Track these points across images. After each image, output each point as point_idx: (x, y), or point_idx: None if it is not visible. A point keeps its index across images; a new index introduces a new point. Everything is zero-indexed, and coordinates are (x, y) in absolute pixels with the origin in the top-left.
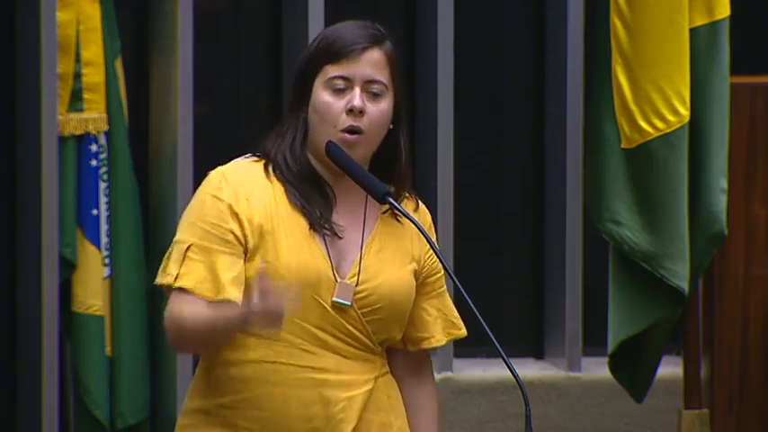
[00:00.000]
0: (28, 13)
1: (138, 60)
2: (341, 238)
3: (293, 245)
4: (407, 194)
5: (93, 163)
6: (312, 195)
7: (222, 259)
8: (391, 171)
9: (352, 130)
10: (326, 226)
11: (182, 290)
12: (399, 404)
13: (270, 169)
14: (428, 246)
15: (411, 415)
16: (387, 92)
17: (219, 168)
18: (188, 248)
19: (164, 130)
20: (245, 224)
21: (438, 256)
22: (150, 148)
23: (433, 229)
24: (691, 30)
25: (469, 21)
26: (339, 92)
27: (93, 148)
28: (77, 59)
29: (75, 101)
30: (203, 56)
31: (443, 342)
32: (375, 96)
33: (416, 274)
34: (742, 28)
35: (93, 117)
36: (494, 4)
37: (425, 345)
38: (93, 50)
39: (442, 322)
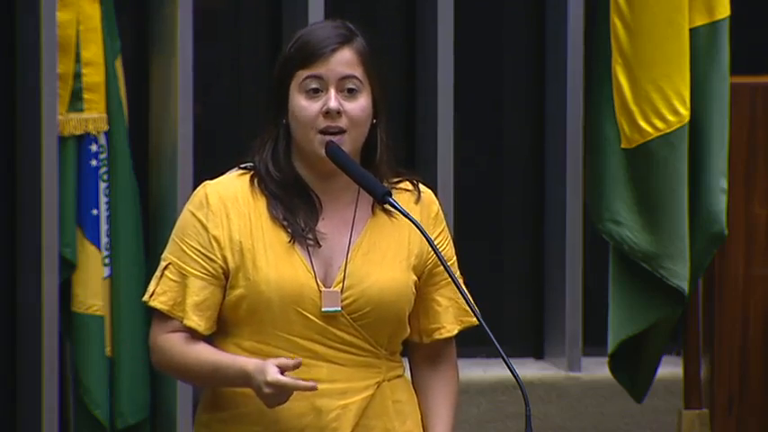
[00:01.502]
0: (28, 13)
1: (138, 60)
2: (320, 246)
3: (272, 259)
4: (411, 186)
5: (93, 163)
6: (296, 205)
7: (193, 282)
8: (369, 165)
9: (330, 131)
10: (309, 236)
11: (161, 312)
12: (410, 408)
13: (255, 182)
14: (435, 235)
15: (426, 399)
16: (363, 87)
17: (205, 184)
18: (166, 267)
19: (164, 130)
20: (225, 244)
21: (437, 255)
22: (150, 148)
23: (440, 216)
24: (691, 30)
25: (469, 21)
26: (314, 94)
27: (93, 148)
28: (77, 59)
29: (75, 101)
30: (203, 56)
31: (455, 331)
32: (351, 93)
33: (418, 268)
34: (742, 28)
35: (93, 117)
36: (494, 4)
37: (437, 336)
38: (93, 50)
39: (453, 311)
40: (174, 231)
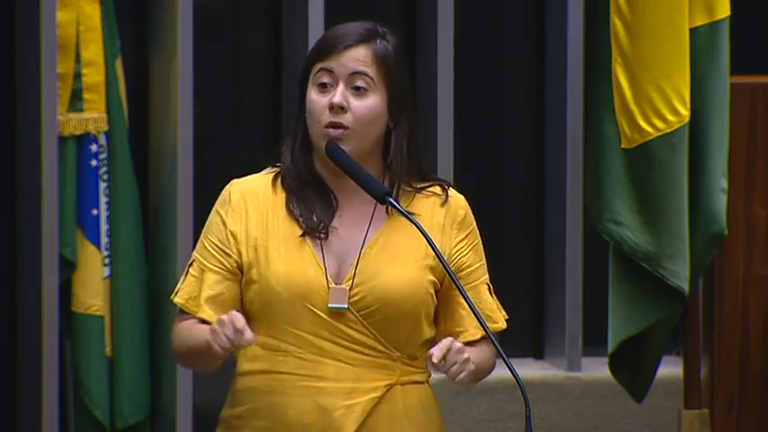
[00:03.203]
0: (28, 13)
1: (138, 60)
2: (328, 240)
3: (283, 253)
4: (440, 190)
5: (93, 163)
6: (313, 200)
7: (209, 277)
8: (387, 169)
9: (333, 126)
10: (323, 231)
11: (180, 308)
12: (427, 417)
13: (278, 179)
14: (458, 240)
15: None
16: (374, 87)
17: (231, 182)
18: (191, 264)
19: (164, 130)
20: (241, 239)
21: (439, 257)
22: (150, 148)
23: (468, 221)
24: (691, 30)
25: (469, 22)
26: (324, 89)
27: (93, 148)
28: (77, 59)
29: (75, 101)
30: (203, 56)
31: (478, 336)
32: (359, 91)
33: (438, 269)
34: (742, 28)
35: (93, 117)
36: (494, 6)
37: (462, 339)
38: (94, 50)
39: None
40: (203, 230)
